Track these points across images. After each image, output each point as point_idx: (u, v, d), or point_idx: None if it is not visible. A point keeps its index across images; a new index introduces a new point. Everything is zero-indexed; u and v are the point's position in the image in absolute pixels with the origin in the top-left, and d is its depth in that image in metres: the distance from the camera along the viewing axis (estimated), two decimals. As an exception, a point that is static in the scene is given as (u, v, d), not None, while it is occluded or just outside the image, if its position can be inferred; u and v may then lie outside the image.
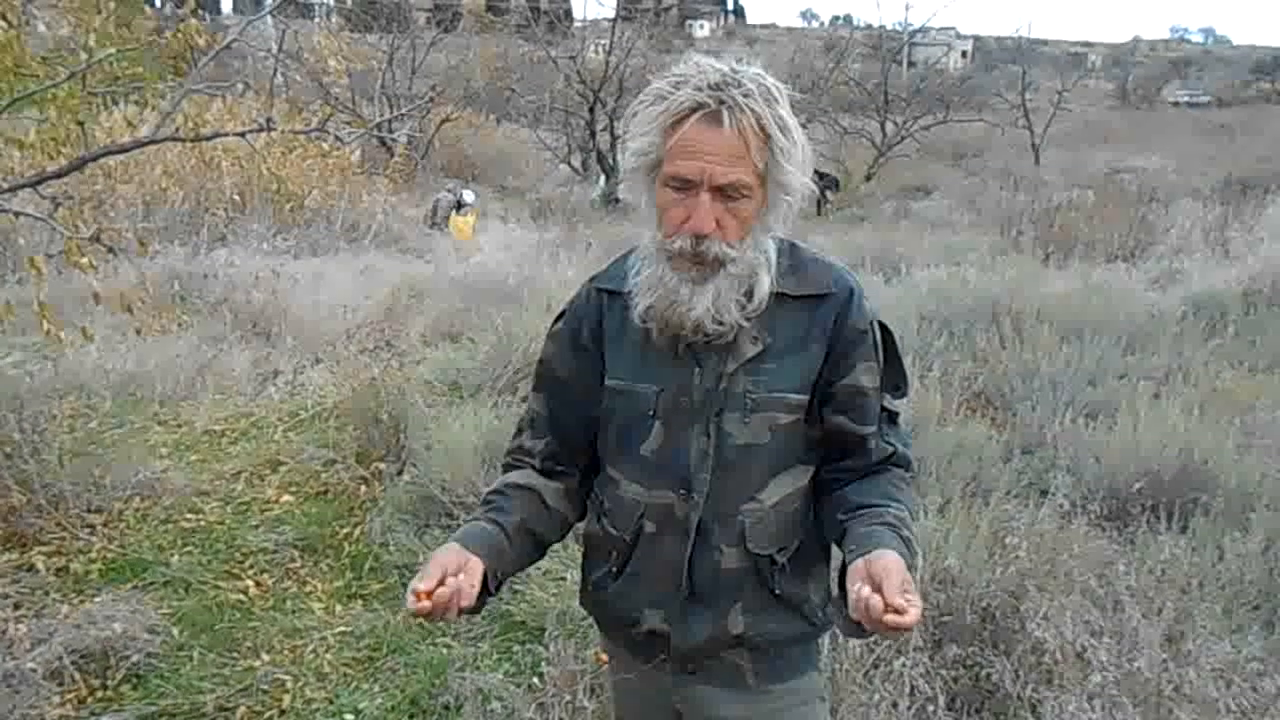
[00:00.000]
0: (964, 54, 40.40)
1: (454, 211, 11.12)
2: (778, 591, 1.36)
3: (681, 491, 1.35)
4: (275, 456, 4.43)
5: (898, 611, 1.07)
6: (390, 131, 10.76)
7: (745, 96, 1.23)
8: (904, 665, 2.31)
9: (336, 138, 4.06)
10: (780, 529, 1.36)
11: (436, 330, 6.24)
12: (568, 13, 16.99)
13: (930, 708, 2.25)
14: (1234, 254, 7.27)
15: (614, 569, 1.42)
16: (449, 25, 19.09)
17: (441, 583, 1.18)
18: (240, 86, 9.81)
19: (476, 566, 1.25)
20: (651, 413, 1.35)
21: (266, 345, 6.03)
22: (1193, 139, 20.22)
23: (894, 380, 1.37)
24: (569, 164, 16.12)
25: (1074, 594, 2.43)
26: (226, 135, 3.54)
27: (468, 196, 11.38)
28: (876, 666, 2.34)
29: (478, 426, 3.63)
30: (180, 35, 3.29)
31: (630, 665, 1.48)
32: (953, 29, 32.58)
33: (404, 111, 10.75)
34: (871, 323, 1.34)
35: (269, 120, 3.05)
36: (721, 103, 1.22)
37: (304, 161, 8.76)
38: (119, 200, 8.65)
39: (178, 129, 3.36)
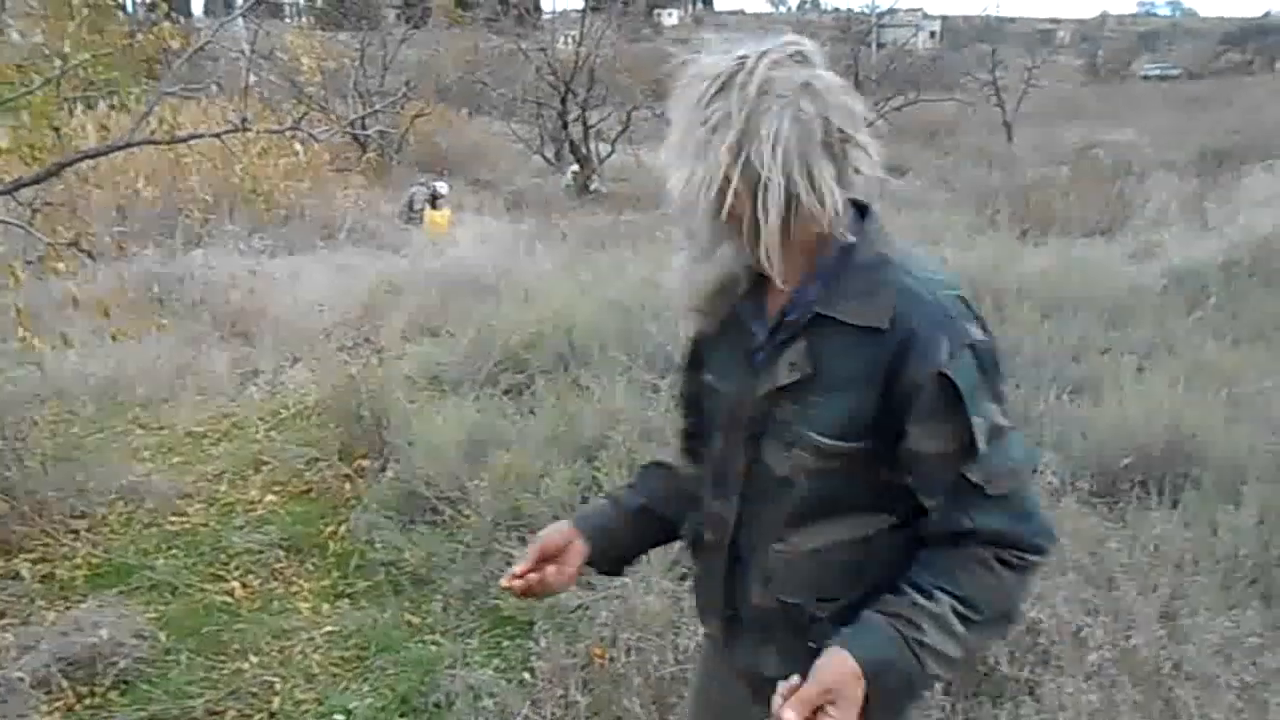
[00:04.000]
0: (932, 34, 40.48)
1: (428, 205, 11.04)
2: (814, 645, 1.13)
3: (726, 510, 1.26)
4: (258, 456, 4.40)
5: None
6: (364, 128, 10.66)
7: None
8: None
9: (311, 136, 4.01)
10: (819, 579, 1.20)
11: (415, 325, 6.19)
12: (536, 5, 16.88)
13: (926, 692, 2.25)
14: (1211, 226, 7.32)
15: (692, 564, 1.38)
16: (419, 21, 18.92)
17: (537, 568, 1.28)
18: (214, 88, 9.66)
19: (577, 551, 1.31)
20: (719, 415, 1.27)
21: (246, 345, 5.99)
22: (1165, 112, 20.37)
23: (966, 445, 1.10)
24: (542, 155, 16.03)
25: (1068, 573, 2.43)
26: (202, 136, 3.49)
27: (442, 188, 11.29)
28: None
29: (460, 421, 3.60)
30: (154, 38, 3.24)
31: (711, 659, 1.44)
32: (920, 10, 32.68)
33: (378, 109, 10.65)
34: (936, 374, 1.08)
35: (244, 120, 3.00)
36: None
37: (278, 161, 8.66)
38: (94, 204, 8.53)
39: (153, 132, 3.31)
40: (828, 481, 1.16)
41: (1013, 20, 38.95)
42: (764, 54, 1.10)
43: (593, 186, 13.55)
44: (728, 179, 1.09)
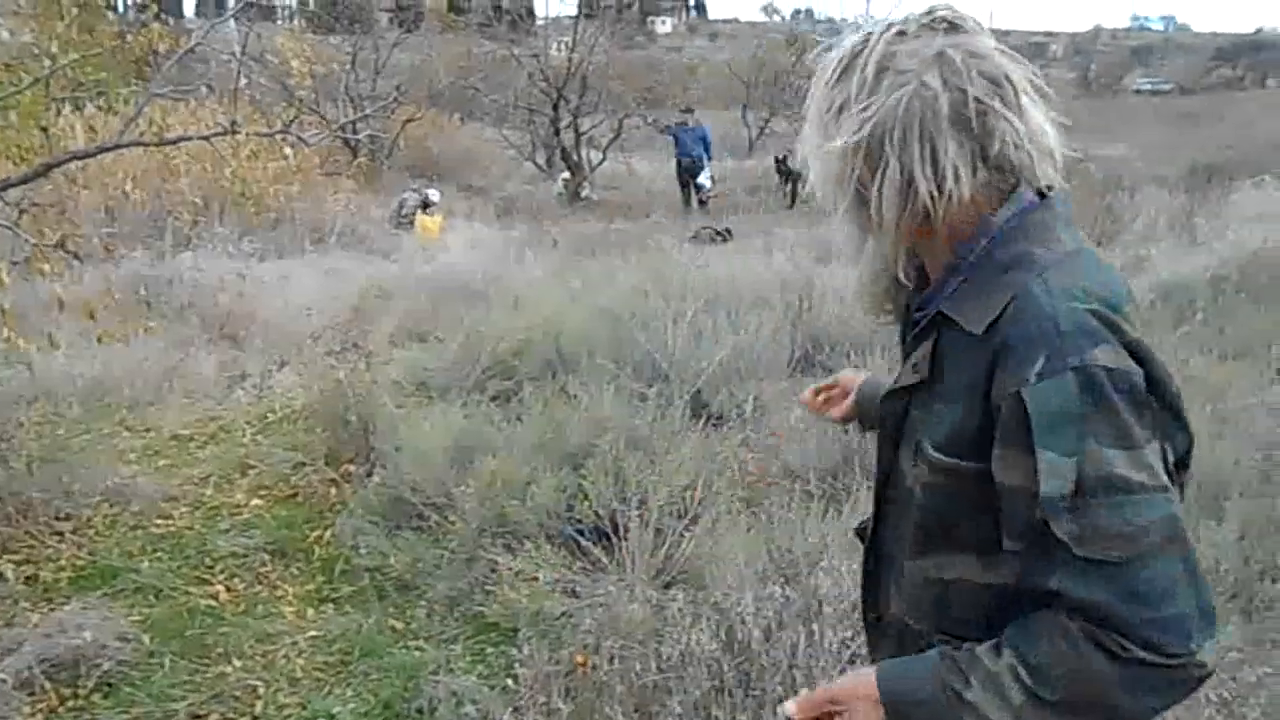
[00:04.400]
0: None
1: (419, 211, 11.06)
2: None
3: (872, 510, 1.20)
4: (244, 460, 4.40)
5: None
6: (354, 132, 10.66)
7: None
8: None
9: (300, 139, 4.01)
10: (941, 612, 1.08)
11: (404, 330, 6.20)
12: (529, 11, 16.95)
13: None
14: (1200, 241, 7.38)
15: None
16: (411, 25, 18.94)
17: (824, 391, 1.48)
18: (204, 90, 9.65)
19: (851, 401, 1.44)
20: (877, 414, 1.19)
21: (234, 348, 5.98)
22: (1156, 126, 20.52)
23: (1038, 480, 0.93)
24: (534, 161, 16.06)
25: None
26: (191, 139, 3.50)
27: (434, 196, 11.33)
28: (852, 662, 2.36)
29: (447, 427, 3.61)
30: (143, 39, 3.24)
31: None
32: (915, 22, 32.75)
33: (368, 113, 10.65)
34: (1014, 393, 0.94)
35: (233, 123, 3.01)
36: None
37: (268, 165, 8.66)
38: (82, 205, 8.51)
39: (141, 134, 3.31)
40: (945, 502, 1.04)
41: (1007, 33, 39.17)
42: (889, 26, 1.00)
43: (584, 194, 13.59)
44: (852, 168, 1.01)
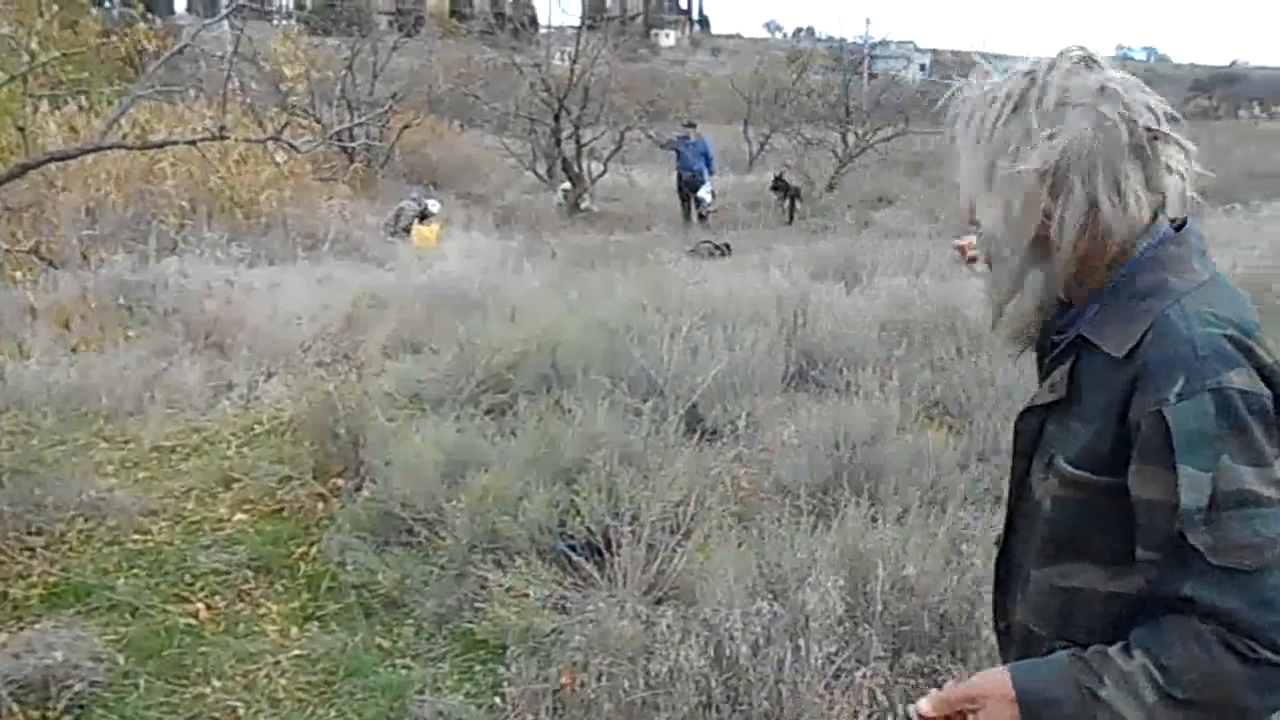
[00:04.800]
0: (922, 67, 40.98)
1: (417, 221, 11.01)
2: None
3: (1003, 521, 1.27)
4: (228, 473, 4.31)
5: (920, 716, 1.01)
6: (350, 138, 10.61)
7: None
8: (864, 676, 2.29)
9: (291, 146, 3.96)
10: (1066, 620, 1.13)
11: (398, 341, 6.13)
12: (533, 19, 16.95)
13: (890, 718, 2.24)
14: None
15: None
16: (411, 30, 18.92)
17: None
18: (193, 92, 9.57)
19: None
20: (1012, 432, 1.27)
21: (220, 358, 5.88)
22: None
23: (1178, 499, 1.00)
24: (534, 171, 16.04)
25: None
26: (176, 143, 3.45)
27: (433, 206, 11.28)
28: (837, 677, 2.33)
29: (438, 440, 3.55)
30: (128, 39, 3.19)
31: None
32: (911, 42, 33.06)
33: (365, 119, 10.61)
34: (1154, 412, 1.01)
35: (222, 128, 2.95)
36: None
37: (259, 170, 8.60)
38: (61, 208, 8.40)
39: (124, 135, 3.25)
40: (1074, 514, 1.11)
41: (1000, 57, 39.45)
42: (1052, 65, 1.08)
43: (584, 205, 13.56)
44: (1035, 201, 1.07)
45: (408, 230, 10.92)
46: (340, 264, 8.90)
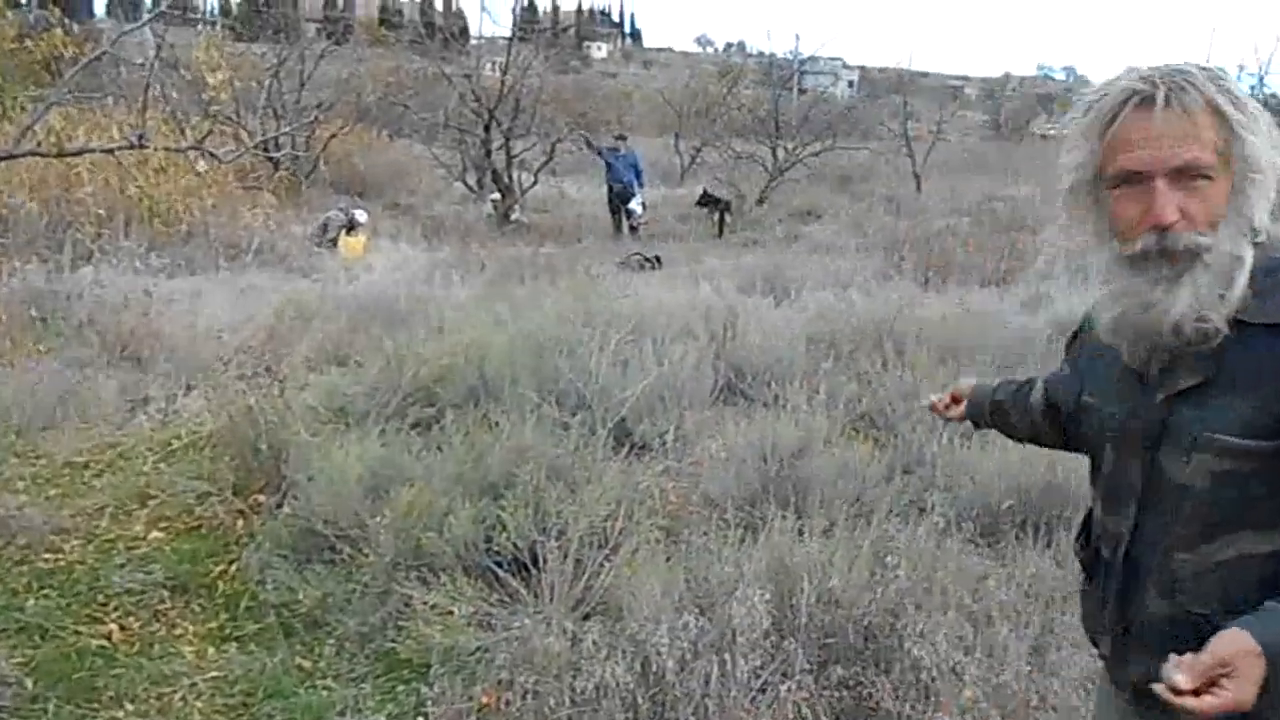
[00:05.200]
0: (850, 83, 41.97)
1: (345, 231, 10.85)
2: None
3: (1122, 524, 1.29)
4: (144, 490, 4.19)
5: (1175, 690, 1.00)
6: (277, 147, 10.39)
7: (1182, 75, 1.16)
8: (789, 690, 2.34)
9: (213, 155, 3.88)
10: (1229, 591, 1.19)
11: (323, 353, 6.03)
12: (463, 30, 16.83)
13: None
14: (1090, 279, 7.71)
15: (1083, 584, 1.41)
16: (340, 38, 18.63)
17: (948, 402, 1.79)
18: (111, 99, 9.28)
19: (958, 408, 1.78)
20: (1107, 434, 1.31)
21: (137, 371, 5.71)
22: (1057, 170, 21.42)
23: None
24: (464, 182, 15.92)
25: (950, 610, 2.52)
26: (94, 150, 3.36)
27: (360, 216, 11.12)
28: (763, 691, 2.37)
29: (362, 455, 3.51)
30: (44, 44, 3.09)
31: (1105, 679, 1.45)
32: (840, 59, 33.84)
33: (289, 129, 10.41)
34: None
35: (140, 136, 2.89)
36: (1156, 85, 1.15)
37: (179, 179, 8.38)
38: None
39: (39, 143, 3.15)
40: (1235, 485, 1.16)
41: (925, 75, 40.68)
42: (1205, 71, 1.17)
43: (514, 217, 13.51)
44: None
45: (335, 241, 10.75)
46: (264, 274, 8.72)
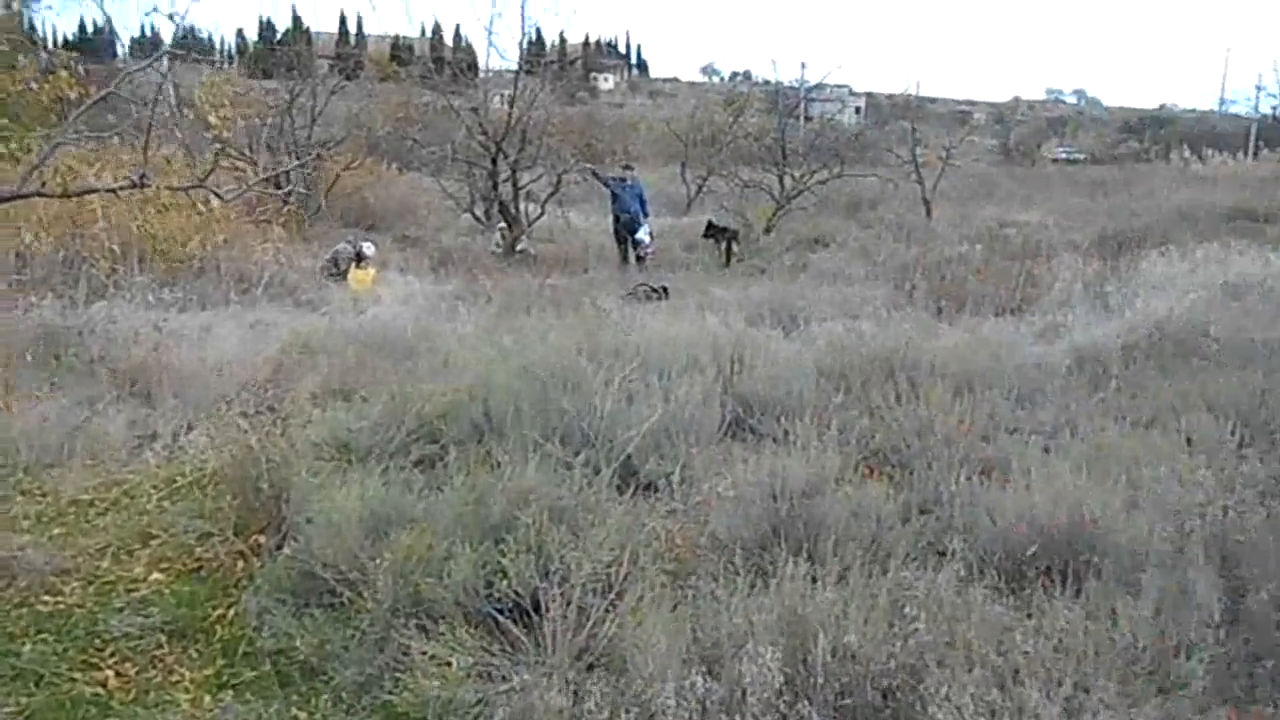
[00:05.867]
0: (857, 110, 42.08)
1: (353, 264, 10.88)
2: None
3: None
4: (147, 529, 4.15)
5: None
6: (287, 180, 10.46)
7: None
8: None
9: (215, 193, 3.87)
10: None
11: (328, 388, 5.99)
12: (472, 64, 16.97)
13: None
14: (1112, 307, 7.64)
15: None
16: (351, 73, 18.82)
17: None
18: (120, 137, 9.35)
19: None
20: None
21: (145, 406, 5.70)
22: (1070, 194, 21.41)
23: None
24: (472, 213, 15.98)
25: (975, 668, 2.41)
26: (97, 190, 3.34)
27: (368, 249, 11.16)
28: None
29: (362, 496, 3.45)
30: (49, 86, 3.10)
31: None
32: (846, 86, 33.95)
33: (298, 163, 10.47)
34: None
35: (142, 176, 2.87)
36: None
37: (191, 214, 8.43)
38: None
39: (44, 183, 3.15)
40: None
41: (933, 100, 40.81)
42: None
43: (520, 248, 13.52)
44: None
45: (344, 274, 10.78)
46: (273, 308, 8.72)
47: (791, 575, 2.82)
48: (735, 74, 53.16)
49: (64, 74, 3.09)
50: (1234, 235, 12.05)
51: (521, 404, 4.48)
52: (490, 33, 13.89)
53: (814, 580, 2.86)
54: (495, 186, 13.99)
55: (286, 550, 3.59)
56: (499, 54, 14.41)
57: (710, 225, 14.03)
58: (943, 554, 3.46)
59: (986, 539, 3.46)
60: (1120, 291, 8.06)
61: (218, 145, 3.64)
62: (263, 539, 3.84)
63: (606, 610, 2.81)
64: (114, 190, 3.21)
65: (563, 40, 20.36)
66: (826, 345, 6.22)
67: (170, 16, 3.62)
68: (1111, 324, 6.89)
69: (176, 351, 6.48)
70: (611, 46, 75.34)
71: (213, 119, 3.89)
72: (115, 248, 8.41)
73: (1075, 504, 3.33)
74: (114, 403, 5.63)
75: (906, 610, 2.61)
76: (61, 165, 3.39)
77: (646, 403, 4.57)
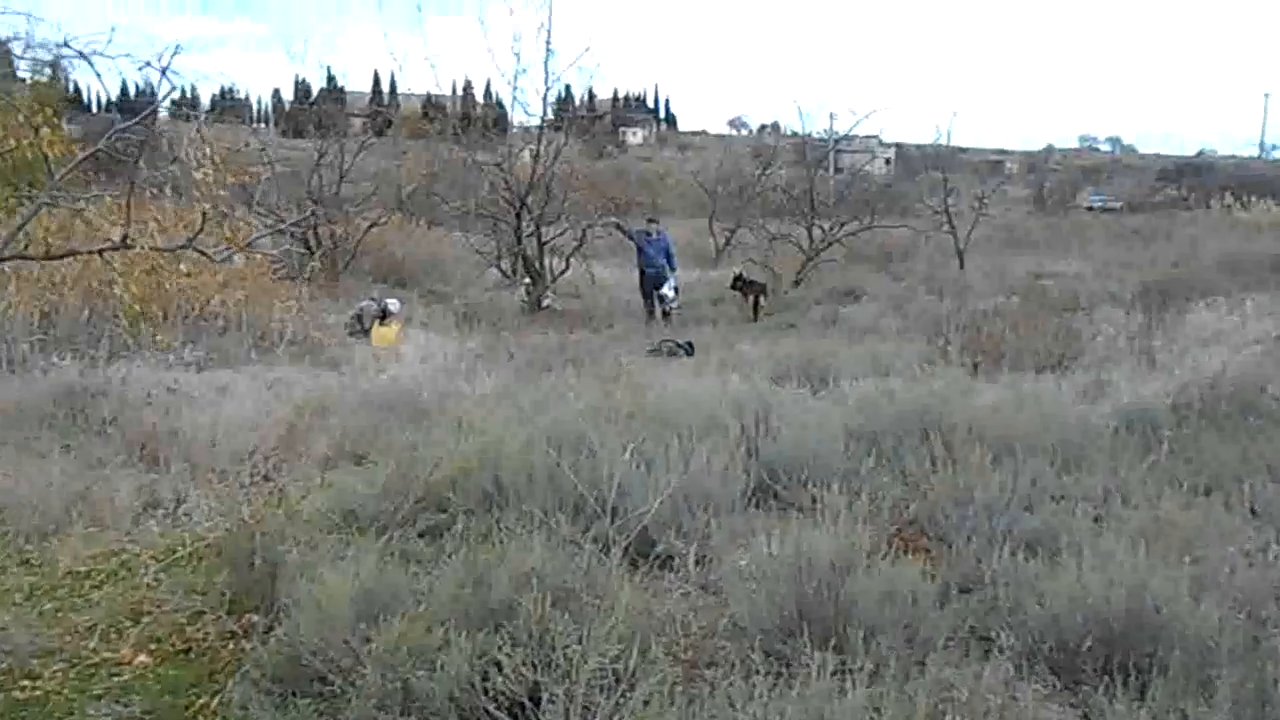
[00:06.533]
0: (887, 161, 42.00)
1: (377, 321, 10.84)
2: None
3: None
4: (139, 605, 3.95)
5: None
6: (315, 238, 10.53)
7: None
8: None
9: (202, 253, 3.76)
10: None
11: (340, 450, 5.83)
12: (497, 119, 17.14)
13: None
14: (1160, 364, 7.29)
15: None
16: (381, 130, 19.12)
17: None
18: (150, 192, 9.40)
19: None
20: None
21: (153, 471, 5.55)
22: (1108, 244, 21.00)
23: None
24: (499, 268, 15.99)
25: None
26: (79, 253, 3.22)
27: (393, 306, 11.14)
28: None
29: (357, 575, 3.22)
30: (33, 146, 3.00)
31: None
32: (876, 136, 33.88)
33: (294, 221, 10.50)
34: None
35: (124, 236, 2.74)
36: None
37: (215, 272, 8.44)
38: (16, 310, 8.18)
39: (26, 245, 3.04)
40: None
41: (964, 150, 40.63)
42: None
43: (545, 303, 13.44)
44: None
45: (368, 331, 10.74)
46: (294, 367, 8.64)
47: (818, 672, 2.53)
48: (764, 126, 53.58)
49: (46, 131, 3.00)
50: (1284, 285, 11.64)
51: (534, 472, 4.26)
52: (515, 87, 13.97)
53: (843, 675, 2.57)
54: (519, 241, 13.97)
55: (279, 631, 3.36)
56: (524, 110, 14.43)
57: (737, 278, 13.87)
58: (986, 639, 3.16)
59: (1036, 625, 3.14)
60: (1166, 346, 7.69)
61: (197, 195, 3.56)
62: (256, 618, 3.63)
63: (613, 712, 2.54)
64: (98, 251, 3.09)
65: (591, 95, 20.58)
66: (856, 404, 5.94)
67: (164, 71, 3.52)
68: (1159, 381, 6.55)
69: (189, 413, 6.37)
70: (640, 101, 76.59)
71: (197, 175, 3.81)
72: (137, 306, 8.39)
73: (1135, 587, 3.01)
74: (122, 466, 5.50)
75: (948, 716, 2.30)
76: (78, 223, 3.27)
77: (667, 465, 4.32)
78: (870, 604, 3.15)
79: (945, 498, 4.27)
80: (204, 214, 3.69)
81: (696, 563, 3.65)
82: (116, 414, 6.32)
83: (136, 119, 3.96)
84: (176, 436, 5.91)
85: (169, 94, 3.83)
